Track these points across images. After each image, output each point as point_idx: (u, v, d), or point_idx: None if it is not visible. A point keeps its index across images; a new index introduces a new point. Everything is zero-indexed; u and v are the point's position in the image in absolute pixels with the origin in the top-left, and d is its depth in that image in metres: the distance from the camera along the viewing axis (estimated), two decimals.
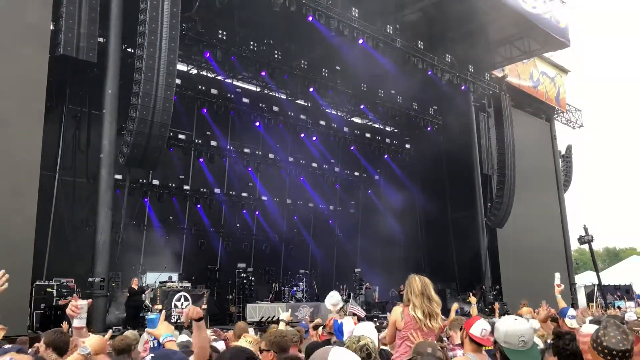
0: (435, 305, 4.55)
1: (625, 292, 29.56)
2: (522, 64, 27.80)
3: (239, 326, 6.23)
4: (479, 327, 4.07)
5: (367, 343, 3.16)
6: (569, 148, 34.33)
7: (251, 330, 7.19)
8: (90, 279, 13.97)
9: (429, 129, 27.09)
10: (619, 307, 22.43)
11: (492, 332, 5.34)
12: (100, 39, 15.19)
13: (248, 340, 4.36)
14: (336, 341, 5.06)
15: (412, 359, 3.38)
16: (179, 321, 14.74)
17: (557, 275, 6.58)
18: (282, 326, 8.27)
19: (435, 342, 4.40)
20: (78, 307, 3.58)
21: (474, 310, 8.47)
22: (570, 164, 34.00)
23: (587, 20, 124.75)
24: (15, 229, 12.29)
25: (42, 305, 13.93)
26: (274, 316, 17.92)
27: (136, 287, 14.75)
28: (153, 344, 3.44)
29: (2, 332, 1.96)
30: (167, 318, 14.26)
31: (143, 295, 15.51)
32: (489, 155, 25.58)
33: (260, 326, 14.51)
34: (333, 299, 6.90)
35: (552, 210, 29.94)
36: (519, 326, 2.81)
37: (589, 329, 4.65)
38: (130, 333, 4.75)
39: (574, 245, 31.65)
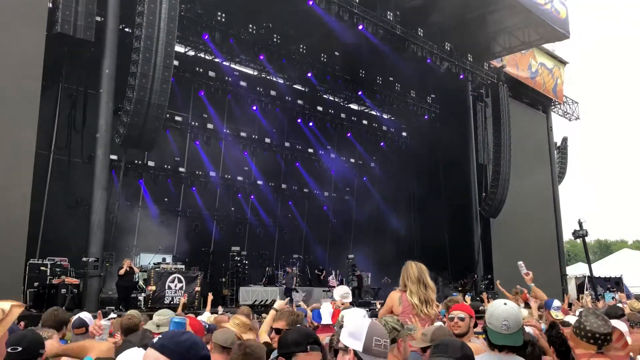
0: (431, 292, 4.60)
1: (615, 284, 29.81)
2: (520, 54, 27.75)
3: (242, 311, 6.29)
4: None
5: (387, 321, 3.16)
6: (564, 140, 34.41)
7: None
8: (84, 259, 13.99)
9: (425, 117, 27.09)
10: (613, 298, 22.63)
11: (480, 318, 5.42)
12: (98, 18, 15.06)
13: (236, 322, 4.40)
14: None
15: (429, 346, 3.40)
16: (172, 303, 14.82)
17: (521, 263, 6.54)
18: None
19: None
20: (101, 327, 3.65)
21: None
22: (566, 156, 34.11)
23: (585, 12, 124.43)
24: (9, 207, 12.26)
25: (36, 284, 13.98)
26: (266, 300, 18.03)
27: (127, 268, 14.75)
28: None
29: (18, 310, 1.97)
30: (161, 299, 14.37)
31: (134, 275, 15.53)
32: (485, 145, 25.61)
33: (253, 309, 14.57)
34: (343, 291, 6.92)
35: (546, 201, 30.09)
36: (505, 310, 2.84)
37: (569, 319, 4.73)
38: (134, 312, 4.79)
39: (567, 236, 31.85)
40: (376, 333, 2.26)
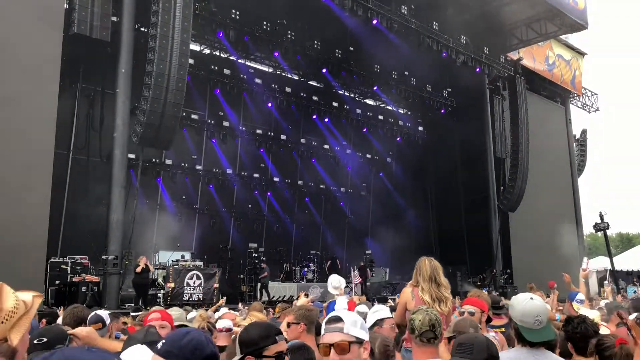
0: (444, 290, 4.56)
1: (638, 277, 29.39)
2: (537, 46, 27.38)
3: (254, 306, 6.32)
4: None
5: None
6: (584, 132, 33.97)
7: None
8: (104, 257, 14.15)
9: (442, 111, 26.91)
10: (635, 292, 22.34)
11: (492, 312, 5.38)
12: (114, 18, 15.18)
13: (252, 320, 4.43)
14: None
15: (452, 337, 3.36)
16: (190, 299, 14.93)
17: (586, 259, 6.62)
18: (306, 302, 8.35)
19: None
20: None
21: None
22: (585, 148, 33.67)
23: (605, 1, 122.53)
24: (30, 206, 12.44)
25: (57, 282, 14.18)
26: (284, 296, 18.08)
27: (144, 265, 14.87)
28: None
29: (39, 299, 2.00)
30: (180, 296, 14.49)
31: (149, 273, 15.63)
32: (502, 139, 25.36)
33: (272, 305, 14.62)
34: (334, 282, 6.93)
35: (566, 194, 29.72)
36: (535, 305, 2.82)
37: (586, 312, 4.68)
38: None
39: (587, 230, 31.46)
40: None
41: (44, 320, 7.09)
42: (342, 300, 5.27)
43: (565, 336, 3.45)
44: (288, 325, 3.63)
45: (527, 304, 2.84)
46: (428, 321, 2.92)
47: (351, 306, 6.56)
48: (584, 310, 4.91)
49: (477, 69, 22.91)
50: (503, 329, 4.72)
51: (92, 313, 4.41)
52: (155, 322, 3.38)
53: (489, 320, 4.65)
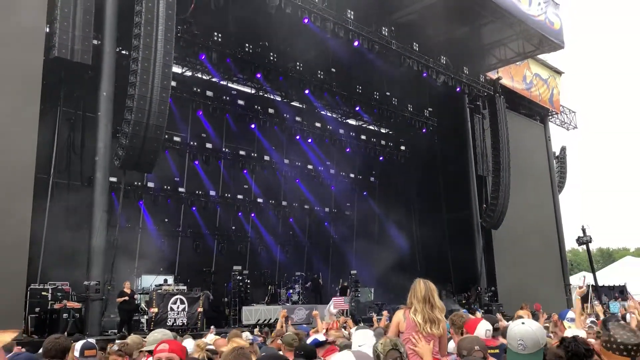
0: (438, 312, 4.54)
1: (620, 292, 29.65)
2: (515, 66, 27.91)
3: (234, 333, 6.23)
4: (483, 329, 4.04)
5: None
6: (563, 149, 34.49)
7: (245, 334, 7.19)
8: (85, 283, 13.90)
9: (424, 130, 27.15)
10: (623, 307, 22.46)
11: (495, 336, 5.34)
12: (95, 41, 15.14)
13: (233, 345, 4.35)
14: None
15: (459, 354, 3.38)
16: (174, 324, 14.71)
17: (581, 277, 6.60)
18: (279, 326, 8.28)
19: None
20: None
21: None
22: (565, 165, 34.16)
23: (581, 20, 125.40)
24: (9, 231, 12.21)
25: (37, 309, 13.88)
26: (269, 319, 17.88)
27: (128, 291, 14.67)
28: None
29: (13, 334, 1.95)
30: (163, 321, 14.27)
31: (135, 298, 15.43)
32: (484, 157, 25.66)
33: (258, 328, 14.45)
34: (332, 310, 6.90)
35: (547, 211, 30.06)
36: (521, 329, 2.81)
37: (574, 332, 4.68)
38: (134, 337, 4.75)
39: (569, 246, 31.78)
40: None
41: (22, 350, 6.91)
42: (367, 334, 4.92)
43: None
44: None
45: (514, 327, 2.85)
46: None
47: (334, 326, 6.49)
48: (573, 330, 4.92)
49: (458, 89, 23.22)
50: (497, 351, 4.69)
51: (84, 340, 4.31)
52: (162, 354, 3.22)
53: None
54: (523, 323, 2.87)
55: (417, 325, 4.43)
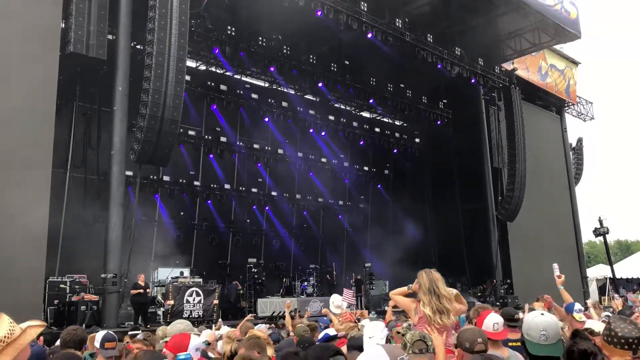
0: (445, 301, 4.48)
1: (638, 284, 29.39)
2: (530, 57, 27.59)
3: (247, 325, 6.29)
4: (491, 322, 4.00)
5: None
6: (579, 140, 34.10)
7: (262, 326, 7.25)
8: (102, 275, 14.07)
9: (438, 122, 27.00)
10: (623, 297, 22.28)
11: (506, 325, 5.31)
12: (110, 36, 15.23)
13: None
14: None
15: (461, 346, 3.39)
16: (190, 317, 14.85)
17: (555, 265, 6.49)
18: (289, 319, 8.34)
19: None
20: None
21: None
22: (581, 157, 33.78)
23: (598, 9, 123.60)
24: (28, 226, 12.37)
25: (56, 302, 14.10)
26: (284, 311, 17.96)
27: (142, 283, 14.81)
28: None
29: (34, 330, 2.01)
30: (179, 313, 14.41)
31: (148, 291, 15.56)
32: (499, 149, 25.45)
33: (272, 321, 14.56)
34: (336, 301, 6.91)
35: (563, 203, 29.78)
36: (543, 320, 2.79)
37: (592, 324, 4.63)
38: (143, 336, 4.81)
39: (585, 238, 31.50)
40: (397, 355, 2.22)
41: (41, 338, 7.04)
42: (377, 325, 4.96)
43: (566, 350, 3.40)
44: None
45: (535, 318, 2.82)
46: (418, 333, 3.19)
47: (349, 317, 6.50)
48: (590, 323, 4.85)
49: (473, 80, 23.04)
50: (519, 343, 4.67)
51: (105, 332, 4.38)
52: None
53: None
54: (542, 314, 2.86)
55: (428, 318, 4.41)
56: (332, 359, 2.36)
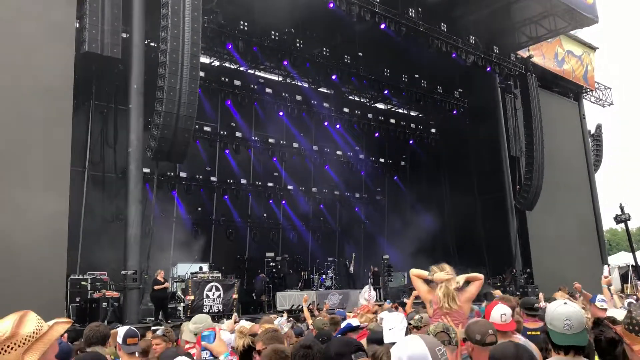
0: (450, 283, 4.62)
1: None
2: (546, 43, 27.20)
3: (265, 319, 6.33)
4: (498, 313, 3.97)
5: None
6: (598, 127, 33.63)
7: (283, 319, 7.27)
8: (123, 272, 14.22)
9: (454, 112, 26.81)
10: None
11: (526, 314, 5.27)
12: (124, 35, 15.33)
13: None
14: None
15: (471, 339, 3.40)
16: (210, 311, 14.96)
17: (606, 267, 6.54)
18: (307, 313, 8.35)
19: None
20: None
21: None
22: (601, 143, 33.30)
23: None
24: (48, 225, 12.53)
25: (78, 299, 14.28)
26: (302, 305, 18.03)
27: (161, 279, 14.94)
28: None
29: (61, 326, 2.04)
30: (199, 308, 14.51)
31: (167, 286, 15.67)
32: (516, 137, 25.21)
33: (291, 314, 14.61)
34: (365, 294, 6.95)
35: (583, 190, 29.42)
36: (566, 309, 2.75)
37: (614, 312, 4.58)
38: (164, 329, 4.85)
39: (606, 225, 31.10)
40: (435, 345, 2.19)
41: (65, 335, 7.14)
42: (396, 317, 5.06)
43: (593, 340, 3.36)
44: (259, 353, 3.53)
45: (558, 307, 2.78)
46: (441, 325, 3.35)
47: (369, 308, 6.51)
48: (612, 311, 4.81)
49: (488, 69, 22.82)
50: (538, 332, 4.63)
51: (127, 327, 4.43)
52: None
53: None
54: (565, 303, 2.81)
55: (438, 300, 4.54)
56: (354, 356, 2.32)
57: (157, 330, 5.14)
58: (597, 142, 33.14)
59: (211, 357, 3.44)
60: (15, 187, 11.80)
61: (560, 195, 25.59)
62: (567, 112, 29.92)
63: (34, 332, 1.86)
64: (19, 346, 1.82)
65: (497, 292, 9.58)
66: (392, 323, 4.07)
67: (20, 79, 12.68)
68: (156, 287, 14.65)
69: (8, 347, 1.81)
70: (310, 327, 6.23)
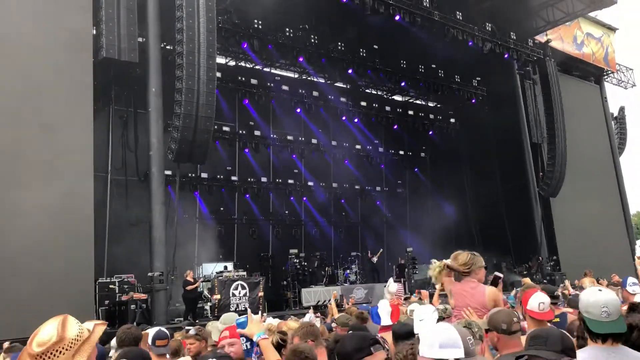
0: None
1: None
2: (564, 27, 26.75)
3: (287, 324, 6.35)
4: (536, 301, 3.88)
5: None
6: (621, 109, 33.01)
7: (311, 315, 7.27)
8: (150, 274, 14.39)
9: (473, 101, 26.52)
10: None
11: (554, 304, 5.20)
12: (140, 39, 15.46)
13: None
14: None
15: (489, 330, 3.38)
16: (237, 310, 15.05)
17: (638, 245, 6.35)
18: (334, 309, 8.34)
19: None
20: None
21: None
22: (624, 126, 32.69)
23: None
24: (74, 231, 12.74)
25: (106, 302, 14.46)
26: (329, 299, 18.04)
27: (191, 279, 15.06)
28: (246, 346, 3.51)
29: (101, 327, 2.10)
30: (226, 307, 14.61)
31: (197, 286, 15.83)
32: (537, 124, 24.87)
33: (317, 310, 14.63)
34: (390, 287, 6.89)
35: (608, 174, 28.95)
36: (602, 296, 2.68)
37: None
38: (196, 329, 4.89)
39: (633, 209, 30.56)
40: (466, 335, 2.21)
41: None
42: (384, 304, 5.23)
43: (628, 326, 3.28)
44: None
45: (594, 294, 2.72)
46: (464, 321, 3.48)
47: (395, 310, 6.49)
48: None
49: (506, 55, 22.52)
50: (557, 319, 4.57)
51: (157, 329, 4.48)
52: (225, 341, 3.44)
53: None
54: (600, 290, 2.75)
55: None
56: (373, 348, 2.32)
57: (189, 330, 5.18)
58: (621, 125, 32.55)
59: (248, 342, 3.47)
60: (41, 193, 11.98)
61: (584, 180, 25.20)
62: (589, 95, 29.43)
63: (78, 335, 1.92)
64: (66, 350, 1.87)
65: (526, 280, 9.48)
66: (423, 314, 4.07)
67: (41, 88, 12.87)
68: (188, 288, 14.79)
69: (57, 350, 1.86)
70: (333, 324, 6.23)
